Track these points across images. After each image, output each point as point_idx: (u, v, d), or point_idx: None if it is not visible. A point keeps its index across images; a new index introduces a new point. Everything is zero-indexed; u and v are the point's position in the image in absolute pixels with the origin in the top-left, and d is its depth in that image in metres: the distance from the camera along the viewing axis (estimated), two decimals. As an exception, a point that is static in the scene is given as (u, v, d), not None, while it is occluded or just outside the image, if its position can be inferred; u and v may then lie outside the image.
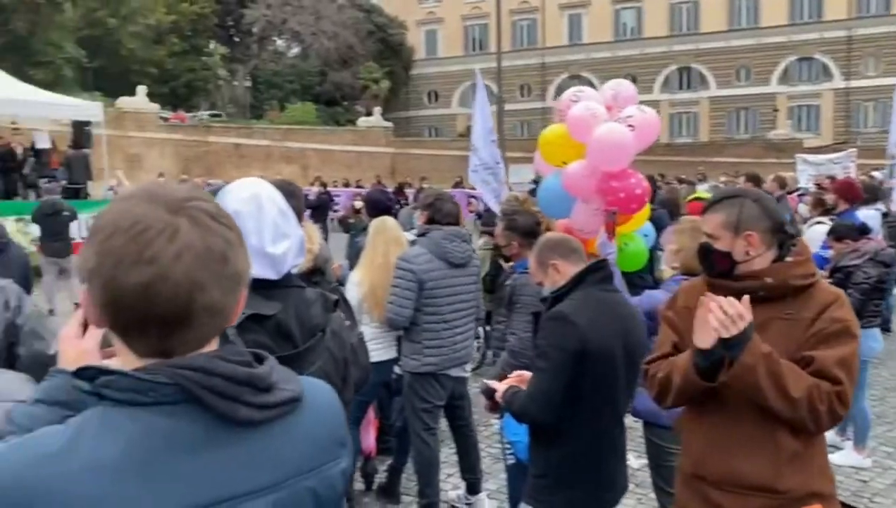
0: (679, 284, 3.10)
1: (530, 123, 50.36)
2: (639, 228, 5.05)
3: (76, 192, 14.44)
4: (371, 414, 4.77)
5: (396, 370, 4.48)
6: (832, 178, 12.68)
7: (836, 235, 5.37)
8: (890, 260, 5.15)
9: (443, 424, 4.42)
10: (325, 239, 4.09)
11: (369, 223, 4.77)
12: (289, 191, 2.19)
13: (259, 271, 1.79)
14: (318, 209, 17.26)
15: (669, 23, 50.13)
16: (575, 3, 51.97)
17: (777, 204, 2.40)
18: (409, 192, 23.74)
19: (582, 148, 4.56)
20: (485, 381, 2.99)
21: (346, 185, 28.00)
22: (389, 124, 41.25)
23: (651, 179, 7.13)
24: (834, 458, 4.01)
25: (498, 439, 5.09)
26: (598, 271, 2.77)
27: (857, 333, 2.17)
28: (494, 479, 4.79)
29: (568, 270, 2.77)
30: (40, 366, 1.85)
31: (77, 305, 5.13)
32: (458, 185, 24.54)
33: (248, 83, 49.92)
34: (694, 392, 2.17)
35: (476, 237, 7.90)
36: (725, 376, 2.05)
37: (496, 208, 7.21)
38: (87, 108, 16.35)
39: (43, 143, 15.60)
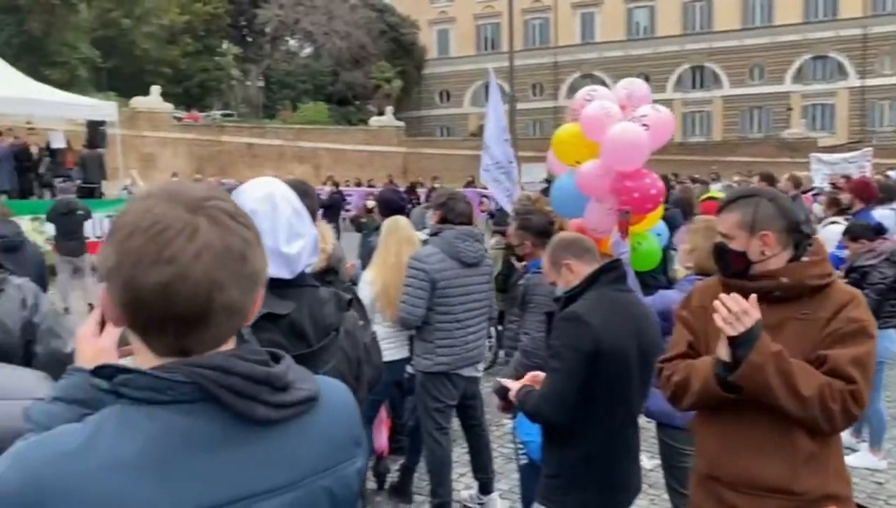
0: (693, 284, 3.08)
1: (542, 122, 50.28)
2: (652, 227, 5.03)
3: (91, 191, 14.54)
4: (383, 413, 4.77)
5: (408, 369, 4.48)
6: (847, 177, 12.57)
7: (851, 234, 5.33)
8: (906, 260, 5.10)
9: (455, 423, 4.42)
10: (338, 239, 4.10)
11: (382, 223, 4.77)
12: (303, 190, 2.20)
13: (273, 270, 1.79)
14: (330, 209, 17.30)
15: (682, 22, 49.88)
16: (587, 2, 51.82)
17: (793, 204, 2.38)
18: (421, 191, 23.76)
19: (596, 147, 4.55)
20: (498, 380, 2.98)
21: (358, 184, 28.05)
22: (401, 124, 41.29)
23: (664, 178, 7.09)
24: (849, 460, 3.98)
25: (510, 439, 5.09)
26: (611, 271, 2.76)
27: (874, 333, 2.14)
28: (506, 479, 4.78)
29: (581, 269, 2.76)
30: (57, 364, 1.87)
31: (91, 305, 5.18)
32: (469, 184, 24.51)
33: (261, 83, 50.11)
34: (714, 401, 2.16)
35: (488, 237, 7.89)
36: (734, 375, 2.04)
37: (508, 208, 7.19)
38: (102, 108, 16.46)
39: (58, 142, 15.71)
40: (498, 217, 10.22)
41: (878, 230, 5.37)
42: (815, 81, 47.24)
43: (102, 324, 1.19)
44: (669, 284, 5.56)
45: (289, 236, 1.87)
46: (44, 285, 5.08)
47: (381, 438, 4.70)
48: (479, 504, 4.45)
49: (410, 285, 4.00)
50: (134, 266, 0.92)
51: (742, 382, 2.03)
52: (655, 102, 4.93)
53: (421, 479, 4.59)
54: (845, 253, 5.35)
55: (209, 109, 43.04)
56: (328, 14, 46.18)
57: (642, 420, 3.00)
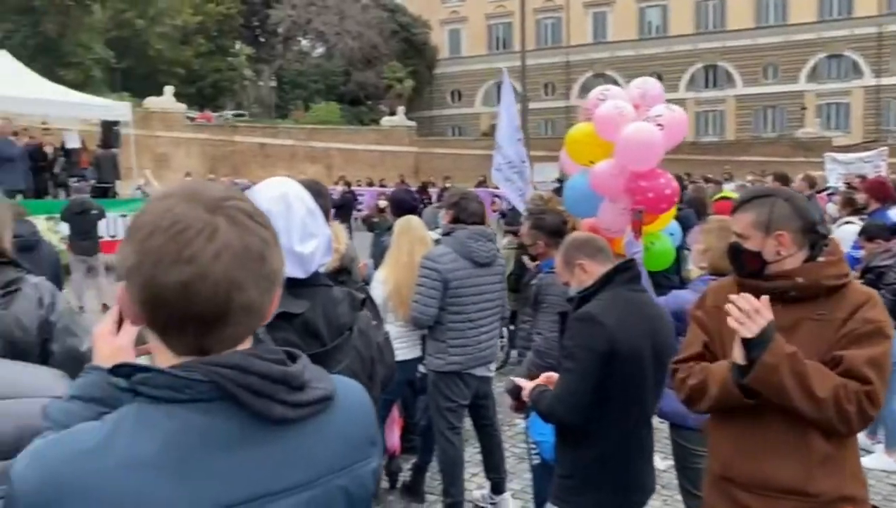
0: (706, 284, 3.07)
1: (554, 121, 50.19)
2: (665, 227, 5.01)
3: (105, 191, 14.61)
4: (395, 413, 4.78)
5: (421, 368, 4.48)
6: (862, 177, 12.47)
7: (867, 234, 5.29)
8: (923, 261, 5.05)
9: (467, 423, 4.42)
10: (350, 238, 4.11)
11: (394, 223, 4.78)
12: (316, 190, 2.20)
13: (287, 269, 1.79)
14: (342, 209, 17.35)
15: (695, 20, 49.66)
16: (600, 1, 51.69)
17: (809, 204, 2.36)
18: (433, 191, 23.77)
19: (609, 147, 4.53)
20: (511, 379, 2.98)
21: (370, 184, 28.11)
22: (413, 124, 41.34)
23: (677, 178, 7.07)
24: (865, 461, 3.94)
25: (522, 438, 5.08)
26: (626, 271, 2.75)
27: (891, 333, 2.12)
28: (519, 479, 4.77)
29: (595, 269, 2.76)
30: (73, 362, 1.89)
31: (105, 304, 5.20)
32: (481, 184, 24.50)
33: (274, 83, 50.30)
34: (731, 405, 2.15)
35: (500, 236, 7.89)
36: (748, 377, 2.02)
37: (521, 207, 7.18)
38: (116, 108, 16.55)
39: (73, 142, 15.81)
40: (510, 217, 10.21)
41: (894, 230, 5.33)
42: (829, 80, 46.89)
43: (120, 323, 1.19)
44: (682, 284, 5.54)
45: (302, 236, 1.88)
46: (59, 284, 5.11)
47: (393, 437, 4.70)
48: (491, 503, 4.44)
49: (423, 284, 4.00)
50: (154, 265, 0.93)
51: (756, 384, 2.01)
52: (668, 101, 4.91)
53: (433, 478, 4.59)
54: (861, 253, 5.31)
55: (222, 110, 43.26)
56: (340, 14, 46.30)
57: (655, 421, 2.98)
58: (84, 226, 10.48)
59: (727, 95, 49.35)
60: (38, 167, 14.86)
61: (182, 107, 32.37)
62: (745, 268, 2.25)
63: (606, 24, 52.03)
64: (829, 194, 11.26)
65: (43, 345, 1.96)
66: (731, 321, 1.97)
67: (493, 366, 4.45)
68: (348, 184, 25.59)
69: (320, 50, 50.00)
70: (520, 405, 2.91)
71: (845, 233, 6.23)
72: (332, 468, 1.04)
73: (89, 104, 16.17)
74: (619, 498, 2.69)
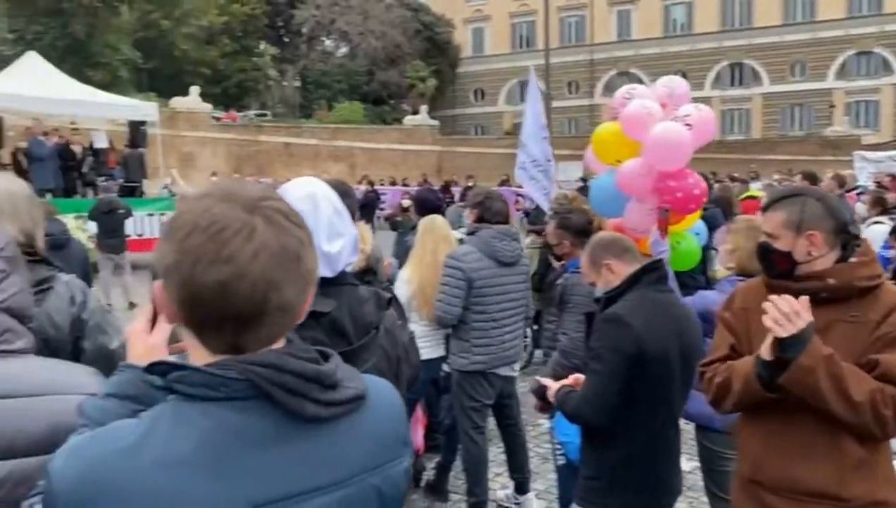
0: (733, 285, 3.04)
1: (578, 120, 49.95)
2: (690, 226, 4.97)
3: (132, 190, 14.81)
4: (419, 411, 4.79)
5: (444, 367, 4.48)
6: (893, 176, 12.27)
7: (899, 234, 5.20)
8: (956, 261, 4.96)
9: (491, 423, 4.42)
10: (373, 238, 4.12)
11: (417, 222, 4.78)
12: (343, 190, 2.21)
13: (315, 269, 1.81)
14: (366, 208, 17.41)
15: (721, 18, 49.12)
16: (624, -2, 51.40)
17: (841, 203, 2.33)
18: (456, 190, 23.77)
19: (636, 146, 4.50)
20: (536, 379, 2.96)
21: (393, 183, 28.18)
22: (436, 123, 41.37)
23: (703, 177, 7.01)
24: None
25: (546, 439, 5.06)
26: (653, 272, 2.73)
27: (926, 336, 2.09)
28: (543, 479, 4.76)
29: (622, 270, 2.74)
30: (104, 359, 1.91)
31: (132, 302, 5.24)
32: (504, 183, 24.45)
33: (298, 83, 50.61)
34: (755, 401, 2.12)
35: (523, 236, 7.87)
36: (782, 378, 1.99)
37: (545, 206, 7.16)
38: (143, 108, 16.76)
39: (101, 142, 16.02)
40: (533, 216, 10.18)
41: (926, 230, 5.23)
42: (858, 78, 46.13)
43: (153, 321, 1.20)
44: (709, 284, 5.48)
45: (329, 235, 1.89)
46: (89, 282, 5.18)
47: (417, 436, 4.71)
48: (515, 503, 4.44)
49: (447, 283, 4.00)
50: (193, 265, 0.94)
51: (791, 385, 1.99)
52: (693, 99, 4.87)
53: (456, 478, 4.59)
54: (891, 253, 5.23)
55: (247, 110, 43.61)
56: (364, 14, 46.45)
57: (680, 422, 2.96)
58: (111, 225, 10.64)
59: (753, 94, 48.77)
60: (67, 167, 15.10)
61: (207, 107, 32.67)
62: (775, 269, 2.22)
63: (631, 21, 51.65)
64: (858, 194, 11.08)
65: (75, 342, 1.98)
66: (767, 321, 1.93)
67: (517, 366, 4.44)
68: (371, 183, 25.68)
69: (344, 50, 50.19)
70: (545, 406, 2.90)
71: (875, 233, 6.14)
72: (364, 467, 1.05)
73: (117, 104, 16.40)
74: (645, 500, 2.67)
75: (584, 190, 10.86)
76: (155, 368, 1.00)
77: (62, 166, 14.83)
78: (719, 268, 4.48)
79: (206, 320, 0.96)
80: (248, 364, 0.96)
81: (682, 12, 50.42)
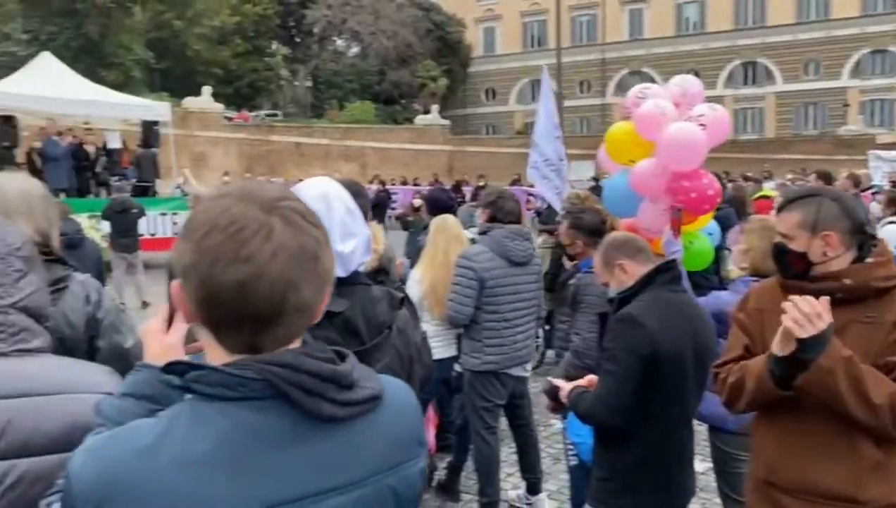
0: (747, 285, 3.02)
1: (590, 119, 49.84)
2: (703, 226, 4.94)
3: (145, 190, 14.89)
4: (430, 411, 4.78)
5: (456, 367, 4.48)
6: (908, 175, 12.16)
7: (914, 235, 5.15)
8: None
9: (503, 423, 4.41)
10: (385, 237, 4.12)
11: (429, 222, 4.78)
12: (356, 190, 2.21)
13: (329, 268, 1.81)
14: (377, 208, 17.41)
15: (734, 16, 48.85)
16: (636, -3, 51.22)
17: (857, 203, 2.31)
18: (467, 190, 23.76)
19: (649, 146, 4.49)
20: (549, 379, 2.96)
21: (404, 183, 28.20)
22: (447, 122, 41.38)
23: (716, 176, 6.99)
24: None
25: (558, 439, 5.06)
26: (667, 272, 2.71)
27: (944, 338, 2.06)
28: (554, 479, 4.75)
29: (635, 270, 2.72)
30: (118, 359, 1.92)
31: (144, 301, 5.27)
32: (515, 182, 24.42)
33: (309, 83, 50.74)
34: (767, 399, 2.11)
35: (534, 235, 7.85)
36: (801, 379, 1.98)
37: (557, 206, 7.14)
38: (156, 108, 16.83)
39: (115, 143, 16.12)
40: (545, 216, 10.15)
41: (943, 230, 5.18)
42: (873, 76, 45.73)
43: (170, 321, 1.21)
44: (722, 284, 5.46)
45: (342, 235, 1.89)
46: (102, 281, 5.22)
47: (429, 436, 4.71)
48: (527, 504, 4.43)
49: (459, 283, 4.00)
50: (211, 264, 0.94)
51: (811, 387, 1.97)
52: (706, 98, 4.85)
53: (468, 478, 4.59)
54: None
55: (259, 109, 43.78)
56: (375, 14, 46.51)
57: (693, 423, 2.94)
58: (125, 224, 10.72)
59: (767, 92, 48.46)
60: (81, 166, 15.20)
61: (220, 107, 32.82)
62: (790, 269, 2.20)
63: (643, 20, 51.45)
64: (873, 193, 10.99)
65: (90, 342, 1.99)
66: (787, 321, 1.91)
67: (529, 366, 4.43)
68: (383, 183, 25.72)
69: (355, 49, 50.28)
70: (557, 406, 2.89)
71: (890, 233, 6.08)
72: (380, 467, 1.05)
73: (130, 104, 16.49)
74: (659, 501, 2.65)
75: (596, 190, 10.83)
76: (173, 367, 1.00)
77: (76, 166, 14.94)
78: (732, 268, 4.45)
79: (224, 319, 0.97)
80: (265, 364, 0.96)
81: (695, 11, 50.18)
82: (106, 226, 11.02)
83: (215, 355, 1.00)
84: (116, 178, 14.88)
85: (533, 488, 4.41)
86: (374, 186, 23.05)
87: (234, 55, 43.17)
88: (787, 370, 1.98)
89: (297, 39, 51.39)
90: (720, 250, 5.80)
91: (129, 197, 11.91)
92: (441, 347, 4.33)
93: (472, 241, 4.50)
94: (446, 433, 5.00)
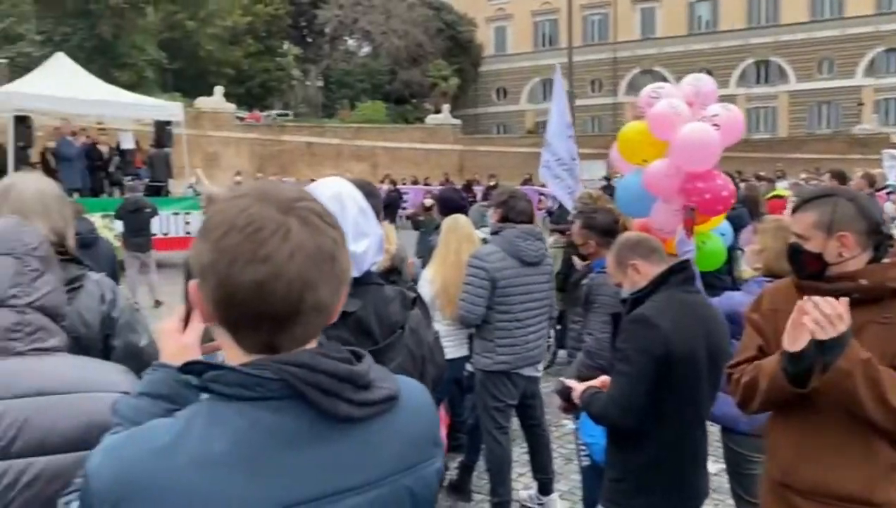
0: (760, 285, 3.00)
1: (601, 118, 49.71)
2: (716, 226, 4.91)
3: (158, 189, 14.98)
4: (442, 411, 4.78)
5: (468, 367, 4.48)
6: (923, 175, 12.05)
7: (929, 235, 5.10)
8: None
9: (514, 423, 4.40)
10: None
11: (440, 221, 4.78)
12: (368, 190, 2.22)
13: (343, 268, 1.81)
14: (388, 207, 17.41)
15: (747, 15, 48.58)
16: (648, -4, 51.02)
17: (872, 203, 2.29)
18: (478, 189, 23.75)
19: (663, 146, 4.47)
20: (561, 380, 2.95)
21: (415, 182, 28.21)
22: (458, 122, 41.36)
23: (729, 176, 6.96)
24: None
25: (570, 439, 5.05)
26: (680, 272, 2.70)
27: (961, 339, 2.04)
28: (566, 480, 4.74)
29: (648, 270, 2.71)
30: (133, 358, 1.93)
31: (157, 300, 5.30)
32: (527, 182, 24.38)
33: (320, 83, 50.85)
34: (781, 398, 2.09)
35: (546, 235, 7.83)
36: (819, 381, 1.96)
37: (570, 205, 7.12)
38: (169, 108, 16.91)
39: (128, 143, 16.22)
40: (556, 215, 10.13)
41: (959, 231, 5.12)
42: (888, 75, 45.32)
43: (186, 320, 1.21)
44: (735, 285, 5.43)
45: (355, 235, 1.89)
46: (116, 281, 5.25)
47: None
48: (538, 504, 4.42)
49: (470, 283, 4.00)
50: (230, 264, 0.94)
51: (828, 389, 1.96)
52: (718, 97, 4.82)
53: (479, 477, 4.59)
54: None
55: (270, 109, 43.90)
56: (386, 13, 46.56)
57: (706, 424, 2.93)
58: (138, 224, 10.79)
59: (779, 91, 48.16)
60: (94, 166, 15.32)
61: (231, 107, 32.95)
62: (805, 270, 2.19)
63: (655, 19, 51.24)
64: (888, 193, 10.91)
65: (105, 341, 2.00)
66: (808, 323, 1.90)
67: (540, 366, 4.42)
68: (394, 182, 25.74)
69: (366, 49, 50.34)
70: (569, 407, 2.88)
71: (905, 233, 6.02)
72: (397, 467, 1.04)
73: (143, 104, 16.58)
74: (672, 502, 2.64)
75: (607, 189, 10.80)
76: (190, 367, 1.00)
77: (89, 166, 15.05)
78: (746, 269, 4.42)
79: (242, 319, 0.97)
80: (282, 364, 0.96)
81: (708, 9, 49.93)
82: (119, 225, 11.10)
83: (233, 355, 1.01)
84: (129, 177, 14.98)
85: (544, 488, 4.40)
86: (385, 186, 23.07)
87: (245, 55, 43.32)
88: (801, 367, 1.97)
89: (309, 39, 51.51)
90: (733, 250, 5.77)
91: (142, 197, 12.00)
92: (452, 347, 4.32)
93: (484, 241, 4.50)
94: (458, 433, 4.99)
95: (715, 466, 4.43)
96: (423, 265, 4.86)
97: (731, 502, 3.73)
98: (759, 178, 16.21)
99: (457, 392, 4.96)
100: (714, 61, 46.51)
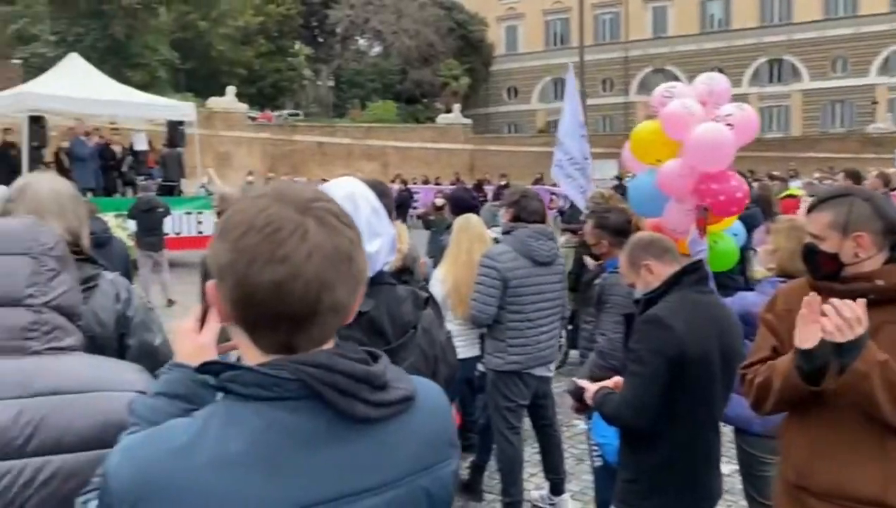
0: (774, 286, 2.98)
1: (612, 118, 49.57)
2: (728, 226, 4.89)
3: (170, 189, 15.06)
4: (453, 411, 4.78)
5: (479, 367, 4.48)
6: (938, 174, 11.92)
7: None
8: None
9: (525, 423, 4.40)
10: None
11: (452, 221, 4.78)
12: (381, 190, 2.22)
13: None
14: (400, 207, 17.45)
15: (760, 13, 48.30)
16: (660, -5, 50.80)
17: (889, 203, 2.27)
18: (489, 189, 23.75)
19: (676, 146, 4.45)
20: (574, 380, 2.94)
21: (426, 182, 28.24)
22: (468, 121, 41.35)
23: (742, 175, 6.92)
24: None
25: (581, 439, 5.04)
26: (693, 273, 2.68)
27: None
28: (577, 480, 4.73)
29: (661, 271, 2.70)
30: (147, 357, 1.94)
31: (170, 299, 5.32)
32: (538, 182, 24.35)
33: (332, 83, 50.96)
34: (795, 398, 2.08)
35: (557, 235, 7.82)
36: (835, 382, 1.95)
37: (582, 205, 7.11)
38: (181, 108, 17.00)
39: (141, 145, 16.32)
40: (568, 215, 10.12)
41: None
42: (903, 73, 45.01)
43: (202, 320, 1.21)
44: (747, 285, 5.40)
45: (368, 235, 1.89)
46: (129, 280, 5.29)
47: (452, 435, 4.71)
48: (550, 504, 4.41)
49: (482, 283, 3.99)
50: (248, 265, 0.94)
51: (844, 390, 1.94)
52: (731, 97, 4.80)
53: (491, 477, 4.59)
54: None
55: (281, 109, 44.04)
56: (397, 13, 46.59)
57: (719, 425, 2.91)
58: (150, 223, 10.85)
59: (792, 90, 47.86)
60: (108, 166, 15.43)
61: (243, 107, 33.07)
62: (821, 270, 2.17)
63: (666, 18, 51.02)
64: (903, 193, 10.80)
65: (120, 340, 2.01)
66: (827, 325, 1.89)
67: (552, 366, 4.42)
68: (405, 182, 25.78)
69: (377, 49, 50.40)
70: (582, 407, 2.87)
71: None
72: (414, 468, 1.04)
73: (156, 104, 16.68)
74: (685, 503, 2.63)
75: (619, 189, 10.76)
76: (208, 367, 1.01)
77: (102, 166, 15.17)
78: (758, 269, 4.40)
79: (260, 319, 0.97)
80: (299, 364, 0.96)
81: (720, 8, 49.68)
82: (132, 225, 11.18)
83: (250, 355, 1.01)
84: (142, 177, 15.08)
85: (556, 488, 4.39)
86: (397, 186, 23.12)
87: (257, 55, 43.46)
88: (815, 364, 1.96)
89: (320, 39, 51.62)
90: (746, 250, 5.74)
91: (155, 196, 12.08)
92: (464, 346, 4.32)
93: (496, 240, 4.49)
94: (469, 433, 4.99)
95: (728, 467, 4.40)
96: (435, 265, 4.87)
97: (743, 503, 3.71)
98: (771, 177, 16.09)
99: (468, 392, 4.96)
100: (726, 60, 46.24)
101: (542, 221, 4.22)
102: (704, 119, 4.40)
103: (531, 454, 4.66)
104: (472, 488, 4.60)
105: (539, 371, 4.18)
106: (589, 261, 5.28)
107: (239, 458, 0.92)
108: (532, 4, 53.89)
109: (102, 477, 0.98)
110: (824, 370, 1.96)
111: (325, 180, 2.11)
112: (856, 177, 8.00)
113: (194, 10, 38.36)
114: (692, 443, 2.60)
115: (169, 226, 12.13)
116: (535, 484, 4.62)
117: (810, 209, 2.24)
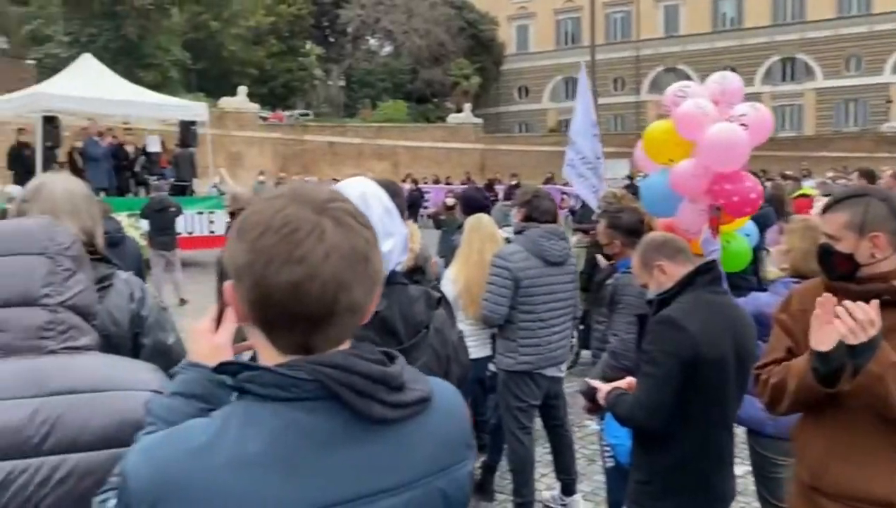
0: (787, 286, 2.97)
1: (624, 117, 49.42)
2: (741, 226, 4.86)
3: (183, 189, 15.14)
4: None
5: (491, 367, 4.47)
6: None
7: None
8: None
9: (537, 423, 4.39)
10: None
11: (463, 221, 4.78)
12: (393, 190, 2.22)
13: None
14: (411, 207, 17.43)
15: (772, 11, 48.00)
16: (671, -7, 50.59)
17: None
18: (499, 188, 23.71)
19: (689, 146, 4.43)
20: (586, 380, 2.93)
21: (437, 181, 28.24)
22: (479, 121, 41.34)
23: (754, 175, 6.88)
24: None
25: (593, 440, 5.02)
26: (707, 273, 2.67)
27: None
28: (589, 481, 4.72)
29: (674, 271, 2.68)
30: (161, 356, 1.95)
31: (182, 299, 5.35)
32: (549, 181, 24.31)
33: (342, 82, 51.04)
34: (811, 399, 2.07)
35: (569, 235, 7.80)
36: (849, 384, 1.94)
37: (594, 204, 7.09)
38: (193, 108, 17.09)
39: (154, 146, 16.40)
40: (579, 214, 10.09)
41: None
42: (918, 72, 44.63)
43: (218, 320, 1.22)
44: (761, 285, 5.37)
45: (381, 235, 1.88)
46: (142, 279, 5.33)
47: (463, 435, 4.70)
48: (561, 504, 4.40)
49: (494, 282, 3.99)
50: (266, 265, 0.95)
51: (858, 392, 1.93)
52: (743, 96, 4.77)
53: (502, 477, 4.58)
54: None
55: (292, 109, 44.16)
56: (408, 12, 46.61)
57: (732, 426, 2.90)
58: (163, 223, 10.92)
59: (806, 89, 47.54)
60: (121, 166, 15.52)
61: (255, 107, 33.19)
62: (836, 271, 2.15)
63: (678, 17, 50.80)
64: (917, 192, 10.70)
65: (134, 339, 2.02)
66: (840, 328, 1.88)
67: (564, 366, 4.40)
68: (415, 182, 25.80)
69: (388, 49, 50.44)
70: (594, 408, 2.86)
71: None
72: (430, 469, 1.04)
73: (168, 105, 16.77)
74: (698, 504, 2.62)
75: (630, 188, 10.73)
76: (225, 367, 1.01)
77: (115, 166, 15.26)
78: (772, 269, 4.38)
79: (277, 320, 0.97)
80: (317, 365, 0.97)
81: (732, 6, 49.41)
82: (145, 224, 11.25)
83: (267, 355, 1.01)
84: (155, 177, 15.16)
85: (567, 489, 4.38)
86: (407, 185, 23.13)
87: (268, 55, 43.59)
88: (831, 367, 1.94)
89: (331, 39, 51.72)
90: (758, 250, 5.71)
91: (167, 196, 12.14)
92: (476, 346, 4.32)
93: (507, 240, 4.49)
94: (480, 433, 4.99)
95: (741, 468, 4.38)
96: (446, 265, 4.86)
97: (756, 505, 3.69)
98: (784, 176, 15.98)
99: (480, 392, 4.95)
100: (739, 59, 45.97)
101: (554, 221, 4.21)
102: (718, 119, 4.38)
103: (542, 454, 4.65)
104: (483, 488, 4.59)
105: (550, 372, 4.17)
106: (601, 261, 5.27)
107: (257, 458, 0.92)
108: (543, 3, 53.78)
109: (121, 477, 0.98)
110: (840, 373, 1.95)
111: (335, 180, 2.11)
112: (870, 176, 7.94)
113: (206, 11, 38.53)
114: (705, 444, 2.58)
115: (181, 226, 12.20)
116: (546, 485, 4.62)
117: (826, 209, 2.22)
